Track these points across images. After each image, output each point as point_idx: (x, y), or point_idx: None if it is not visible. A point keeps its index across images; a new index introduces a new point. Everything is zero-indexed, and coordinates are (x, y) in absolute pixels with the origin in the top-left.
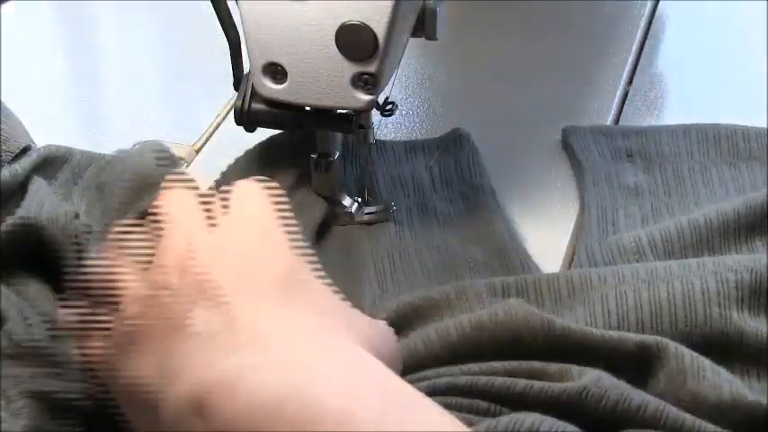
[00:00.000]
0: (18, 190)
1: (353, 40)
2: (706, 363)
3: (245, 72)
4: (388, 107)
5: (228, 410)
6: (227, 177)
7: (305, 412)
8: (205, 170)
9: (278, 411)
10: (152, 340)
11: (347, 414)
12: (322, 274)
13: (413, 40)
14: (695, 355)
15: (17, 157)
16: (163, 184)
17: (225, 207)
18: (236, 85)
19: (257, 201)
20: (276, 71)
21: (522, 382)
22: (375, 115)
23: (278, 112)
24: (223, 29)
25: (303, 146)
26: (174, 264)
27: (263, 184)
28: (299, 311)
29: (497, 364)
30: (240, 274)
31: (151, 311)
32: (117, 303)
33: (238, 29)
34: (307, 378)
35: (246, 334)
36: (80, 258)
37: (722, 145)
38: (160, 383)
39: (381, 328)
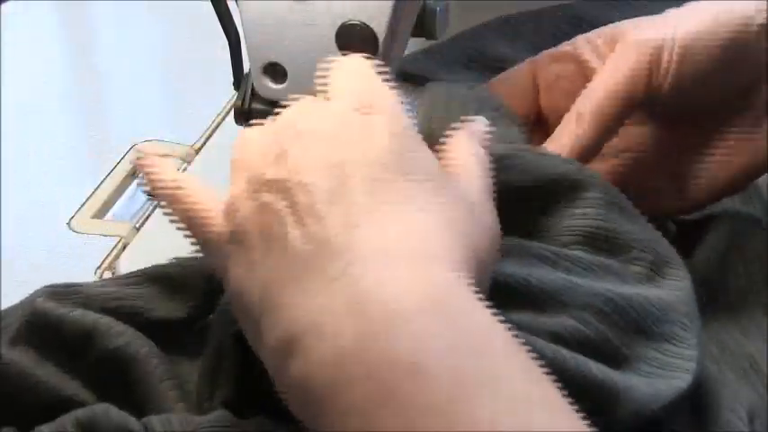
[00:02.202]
0: None
1: (353, 40)
2: None
3: (245, 72)
4: None
5: (314, 355)
6: None
7: (379, 359)
8: (205, 170)
9: (356, 359)
10: (255, 251)
11: (416, 364)
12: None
13: (413, 40)
14: None
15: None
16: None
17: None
18: (236, 85)
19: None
20: (276, 71)
21: None
22: None
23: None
24: (223, 28)
25: None
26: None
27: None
28: (396, 216)
29: None
30: (337, 168)
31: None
32: None
33: (238, 28)
34: (385, 325)
35: (337, 265)
36: None
37: None
38: (261, 307)
39: (484, 220)
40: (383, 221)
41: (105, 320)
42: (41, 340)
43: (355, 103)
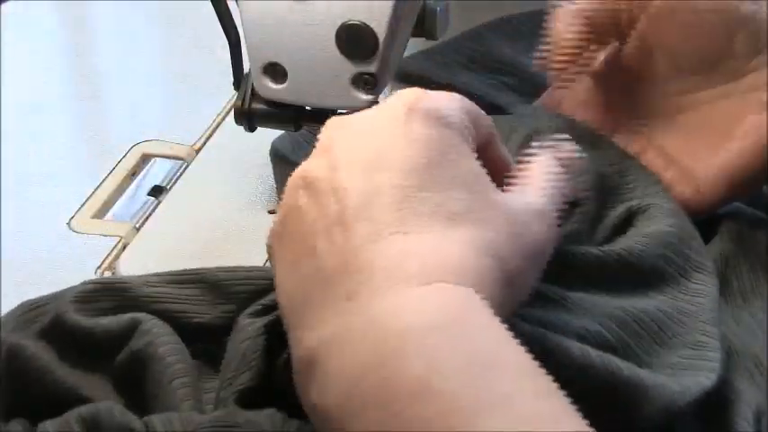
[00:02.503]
0: None
1: (353, 40)
2: None
3: (245, 72)
4: None
5: (329, 382)
6: None
7: (386, 383)
8: (205, 170)
9: (366, 386)
10: (290, 253)
11: (424, 385)
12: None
13: (413, 40)
14: None
15: None
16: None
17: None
18: (237, 85)
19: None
20: (276, 71)
21: None
22: None
23: (278, 112)
24: (223, 29)
25: None
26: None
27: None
28: (419, 231)
29: None
30: (372, 173)
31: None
32: None
33: (238, 29)
34: (395, 347)
35: (353, 282)
36: None
37: None
38: (288, 318)
39: (520, 227)
40: (404, 238)
41: (135, 323)
42: (64, 343)
43: (406, 103)
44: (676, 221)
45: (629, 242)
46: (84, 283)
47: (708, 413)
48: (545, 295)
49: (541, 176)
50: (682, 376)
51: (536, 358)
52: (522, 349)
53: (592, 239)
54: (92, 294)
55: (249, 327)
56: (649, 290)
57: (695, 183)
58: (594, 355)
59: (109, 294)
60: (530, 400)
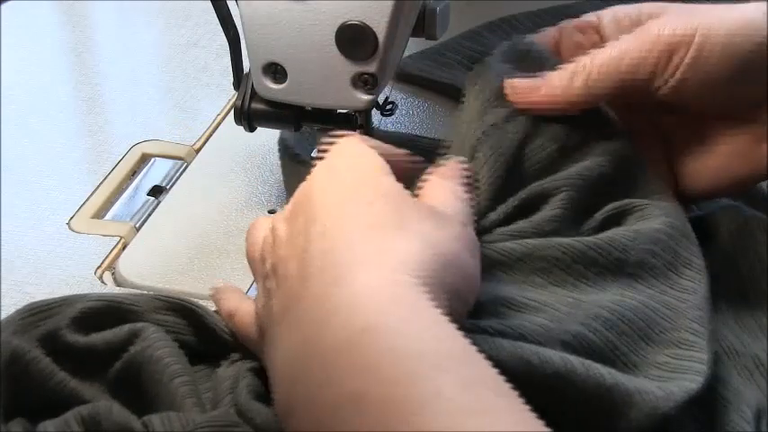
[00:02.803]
0: None
1: (353, 40)
2: None
3: (245, 71)
4: (388, 107)
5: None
6: None
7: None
8: (205, 170)
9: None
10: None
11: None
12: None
13: (413, 40)
14: None
15: None
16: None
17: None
18: (237, 85)
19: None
20: (276, 71)
21: None
22: (375, 115)
23: (278, 112)
24: (223, 28)
25: None
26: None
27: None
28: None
29: None
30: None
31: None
32: None
33: (238, 29)
34: (314, 359)
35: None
36: None
37: None
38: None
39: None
40: (365, 237)
41: (135, 332)
42: (61, 355)
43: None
44: (668, 220)
45: (615, 235)
46: (86, 300)
47: (706, 413)
48: (524, 303)
49: (448, 199)
50: (667, 380)
51: (516, 371)
52: (464, 341)
53: (577, 231)
54: (92, 316)
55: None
56: (636, 284)
57: (674, 182)
58: (578, 364)
59: (110, 314)
60: (458, 392)
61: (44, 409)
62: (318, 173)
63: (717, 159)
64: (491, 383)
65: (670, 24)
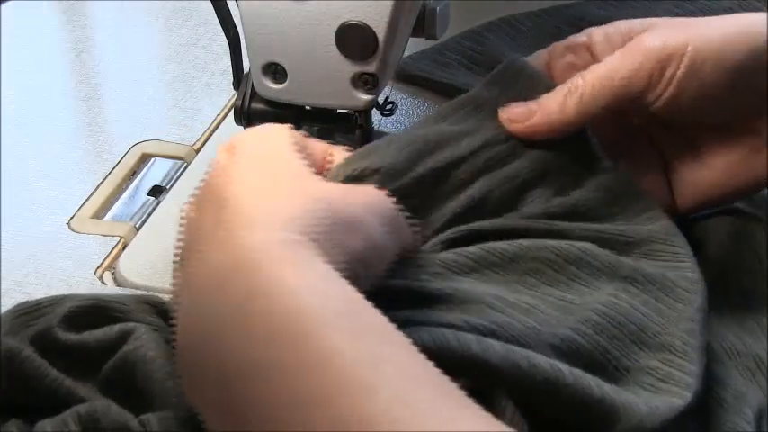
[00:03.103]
0: None
1: (353, 40)
2: None
3: (245, 71)
4: (388, 107)
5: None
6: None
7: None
8: (205, 170)
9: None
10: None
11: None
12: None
13: (413, 40)
14: None
15: None
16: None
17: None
18: (237, 85)
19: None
20: (276, 71)
21: None
22: (375, 115)
23: (278, 112)
24: (223, 28)
25: None
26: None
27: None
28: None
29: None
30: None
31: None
32: None
33: (238, 29)
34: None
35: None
36: None
37: None
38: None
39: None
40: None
41: (127, 331)
42: (53, 354)
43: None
44: (663, 231)
45: (610, 240)
46: (75, 299)
47: (705, 415)
48: (514, 304)
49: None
50: (656, 391)
51: (506, 374)
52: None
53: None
54: (81, 315)
55: None
56: (630, 287)
57: (670, 193)
58: (567, 373)
59: (99, 314)
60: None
61: (39, 409)
62: (222, 152)
63: (714, 172)
64: (383, 335)
65: (661, 37)
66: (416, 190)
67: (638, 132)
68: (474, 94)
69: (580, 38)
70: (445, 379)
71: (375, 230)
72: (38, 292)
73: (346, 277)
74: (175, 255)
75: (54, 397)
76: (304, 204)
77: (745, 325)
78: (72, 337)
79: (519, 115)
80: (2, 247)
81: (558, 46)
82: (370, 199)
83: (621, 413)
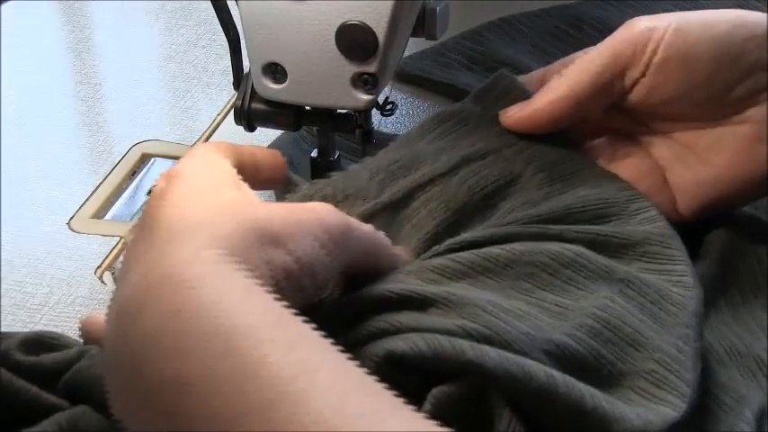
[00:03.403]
0: None
1: (353, 40)
2: None
3: (245, 72)
4: (388, 107)
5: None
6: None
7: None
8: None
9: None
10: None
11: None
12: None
13: (413, 40)
14: None
15: None
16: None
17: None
18: (237, 85)
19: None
20: (276, 71)
21: None
22: (375, 115)
23: (278, 112)
24: (223, 28)
25: None
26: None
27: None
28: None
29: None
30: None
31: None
32: None
33: (238, 29)
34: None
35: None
36: None
37: None
38: None
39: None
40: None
41: (83, 351)
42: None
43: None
44: (659, 232)
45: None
46: (28, 333)
47: (704, 417)
48: (508, 310)
49: None
50: (652, 398)
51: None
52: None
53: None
54: (38, 341)
55: None
56: (627, 290)
57: (672, 198)
58: (561, 382)
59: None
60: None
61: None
62: (161, 179)
63: (715, 168)
64: (314, 345)
65: (646, 18)
66: (387, 212)
67: (632, 142)
68: (460, 107)
69: (578, 54)
70: (379, 385)
71: (308, 247)
72: (38, 291)
73: (275, 292)
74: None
75: (26, 406)
76: (230, 222)
77: (746, 325)
78: (30, 358)
79: (514, 109)
80: (2, 247)
81: (556, 64)
82: (308, 216)
83: (614, 425)
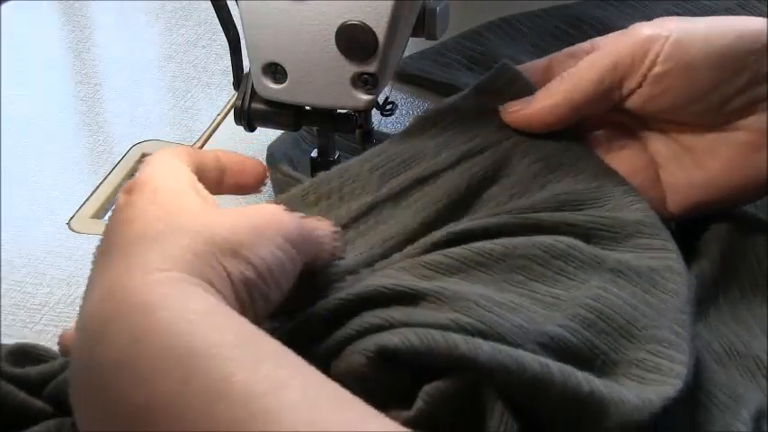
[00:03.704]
0: None
1: (353, 40)
2: None
3: (245, 72)
4: (388, 107)
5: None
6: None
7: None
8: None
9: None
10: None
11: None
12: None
13: (413, 40)
14: None
15: None
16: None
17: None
18: (237, 85)
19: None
20: (276, 71)
21: None
22: (375, 115)
23: (278, 112)
24: (223, 28)
25: None
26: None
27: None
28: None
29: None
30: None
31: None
32: None
33: (238, 28)
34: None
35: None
36: None
37: None
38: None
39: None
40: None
41: (68, 362)
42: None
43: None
44: (645, 217)
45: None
46: (13, 346)
47: (701, 416)
48: (501, 303)
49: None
50: (646, 382)
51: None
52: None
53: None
54: (20, 355)
55: None
56: (618, 279)
57: (663, 196)
58: (556, 371)
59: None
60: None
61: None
62: (121, 194)
63: (709, 172)
64: (279, 359)
65: (649, 24)
66: (387, 204)
67: (630, 135)
68: (461, 100)
69: (584, 46)
70: (350, 396)
71: (267, 253)
72: (38, 291)
73: (237, 304)
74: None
75: (12, 411)
76: (186, 237)
77: (745, 325)
78: (17, 370)
79: (514, 105)
80: (2, 247)
81: (561, 53)
82: (264, 221)
83: (612, 407)
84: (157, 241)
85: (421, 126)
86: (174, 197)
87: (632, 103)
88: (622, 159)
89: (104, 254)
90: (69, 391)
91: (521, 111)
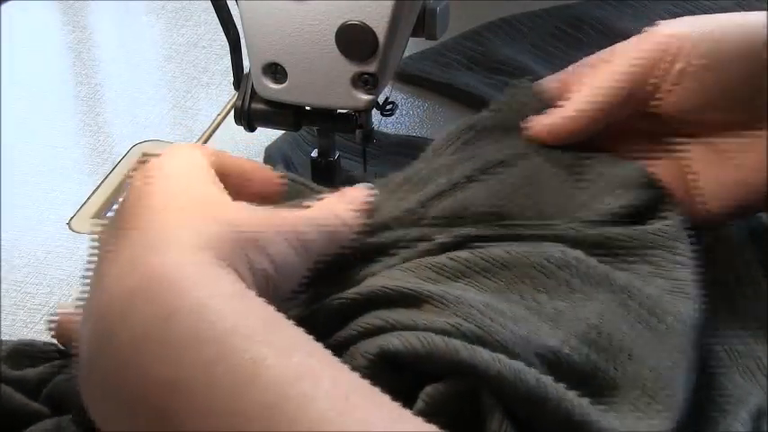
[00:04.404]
0: None
1: (353, 40)
2: None
3: (245, 72)
4: (388, 107)
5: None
6: None
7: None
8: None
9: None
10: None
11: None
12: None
13: (413, 40)
14: None
15: None
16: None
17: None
18: (237, 85)
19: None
20: (276, 71)
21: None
22: (375, 115)
23: (278, 112)
24: (223, 29)
25: None
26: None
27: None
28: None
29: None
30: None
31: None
32: None
33: (238, 28)
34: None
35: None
36: None
37: None
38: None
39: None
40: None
41: (64, 365)
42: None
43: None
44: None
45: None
46: (16, 342)
47: (700, 417)
48: (503, 312)
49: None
50: (645, 407)
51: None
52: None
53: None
54: (20, 356)
55: None
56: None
57: (693, 201)
58: (551, 388)
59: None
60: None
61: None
62: (136, 177)
63: (741, 171)
64: (309, 348)
65: (666, 25)
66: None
67: (657, 143)
68: (481, 117)
69: (602, 54)
70: (376, 389)
71: (283, 250)
72: (38, 292)
73: (258, 295)
74: (83, 279)
75: (12, 413)
76: (214, 225)
77: (746, 325)
78: (15, 372)
79: (534, 121)
80: (2, 247)
81: (576, 66)
82: (281, 219)
83: None
84: (186, 224)
85: (446, 143)
86: (194, 185)
87: (662, 104)
88: (651, 166)
89: (118, 240)
90: (79, 376)
91: (542, 124)
